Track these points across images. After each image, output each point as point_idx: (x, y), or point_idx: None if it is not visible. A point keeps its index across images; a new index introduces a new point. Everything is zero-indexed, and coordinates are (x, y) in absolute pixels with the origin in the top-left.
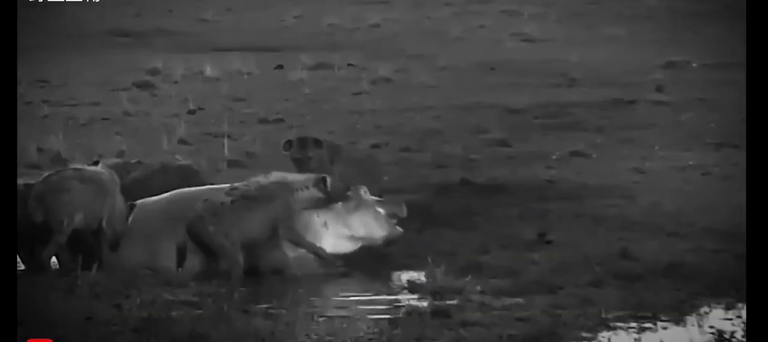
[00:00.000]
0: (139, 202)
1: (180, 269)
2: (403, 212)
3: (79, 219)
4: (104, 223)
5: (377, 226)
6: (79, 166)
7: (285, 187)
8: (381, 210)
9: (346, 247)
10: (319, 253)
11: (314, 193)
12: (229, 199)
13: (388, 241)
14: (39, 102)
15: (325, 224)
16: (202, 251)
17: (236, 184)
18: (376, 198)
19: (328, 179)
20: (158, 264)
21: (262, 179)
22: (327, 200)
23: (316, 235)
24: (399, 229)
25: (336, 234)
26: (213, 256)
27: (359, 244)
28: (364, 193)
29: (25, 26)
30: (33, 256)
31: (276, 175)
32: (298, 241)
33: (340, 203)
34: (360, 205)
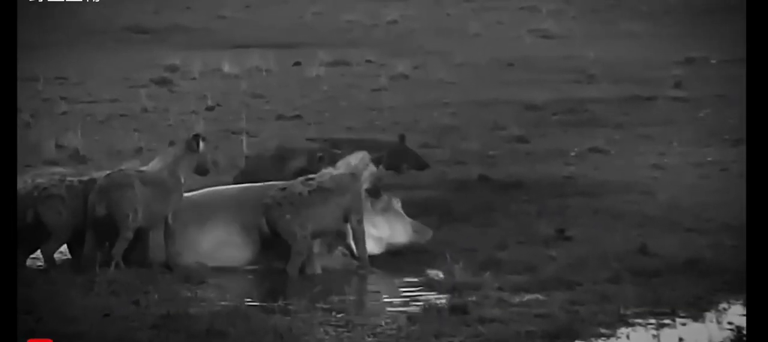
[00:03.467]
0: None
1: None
2: (428, 237)
3: (140, 217)
4: (170, 220)
5: (403, 231)
6: (142, 168)
7: (354, 176)
8: (408, 223)
9: (372, 248)
10: (363, 257)
11: (371, 169)
12: (306, 190)
13: (412, 248)
14: (57, 99)
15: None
16: (270, 240)
17: (311, 176)
18: (408, 218)
19: (384, 155)
20: (221, 257)
21: (333, 171)
22: (379, 179)
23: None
24: (425, 237)
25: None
26: (271, 245)
27: (384, 248)
28: (396, 204)
29: (43, 23)
30: (75, 252)
31: (343, 164)
32: (359, 238)
33: (368, 203)
34: (388, 209)
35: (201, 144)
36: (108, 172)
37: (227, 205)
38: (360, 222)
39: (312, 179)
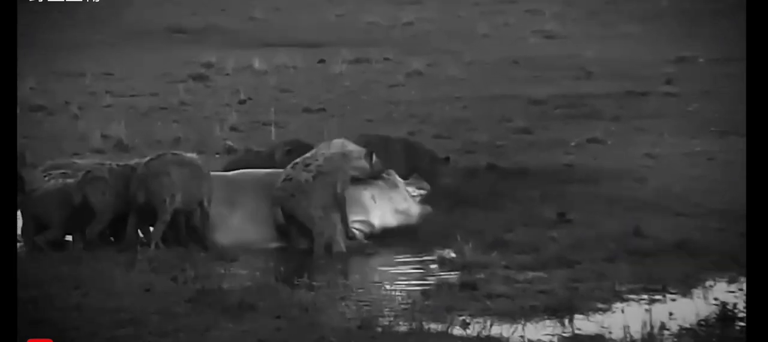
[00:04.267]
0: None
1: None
2: (427, 211)
3: (178, 200)
4: (206, 204)
5: (413, 202)
6: (177, 151)
7: (345, 157)
8: (412, 195)
9: (391, 220)
10: (347, 226)
11: (364, 164)
12: (310, 176)
13: (422, 217)
14: (103, 93)
15: (373, 198)
16: (285, 227)
17: (308, 160)
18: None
19: (374, 154)
20: (253, 241)
21: (325, 150)
22: (370, 173)
23: (366, 207)
24: (428, 207)
25: (382, 207)
26: (291, 231)
27: (401, 220)
28: (396, 177)
29: (91, 23)
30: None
31: (337, 144)
32: (342, 208)
33: (381, 181)
34: (398, 184)
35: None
36: (148, 158)
37: (254, 187)
38: (343, 190)
39: (309, 164)
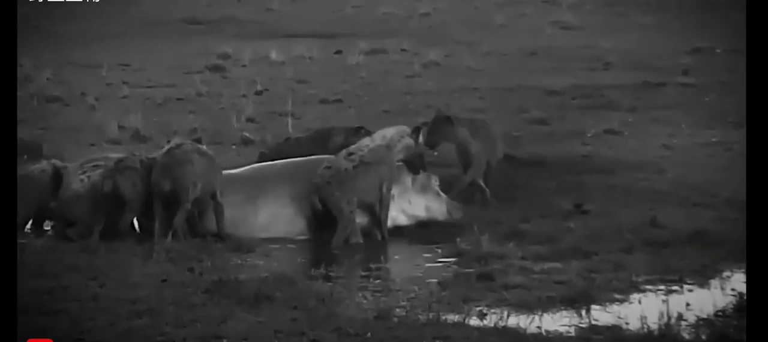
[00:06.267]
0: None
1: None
2: (459, 215)
3: (198, 189)
4: (219, 196)
5: (438, 211)
6: (191, 141)
7: (388, 148)
8: (444, 201)
9: (404, 220)
10: (383, 224)
11: (408, 141)
12: (351, 165)
13: (450, 219)
14: (120, 84)
15: (392, 197)
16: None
17: (352, 149)
18: (444, 195)
19: (422, 130)
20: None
21: (369, 142)
22: (415, 151)
23: None
24: (457, 214)
25: (399, 208)
26: (323, 219)
27: (414, 221)
28: (435, 182)
29: (108, 15)
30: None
31: (379, 135)
32: (384, 205)
33: (409, 180)
34: (427, 188)
35: None
36: (168, 146)
37: (277, 180)
38: (389, 190)
39: (353, 153)
